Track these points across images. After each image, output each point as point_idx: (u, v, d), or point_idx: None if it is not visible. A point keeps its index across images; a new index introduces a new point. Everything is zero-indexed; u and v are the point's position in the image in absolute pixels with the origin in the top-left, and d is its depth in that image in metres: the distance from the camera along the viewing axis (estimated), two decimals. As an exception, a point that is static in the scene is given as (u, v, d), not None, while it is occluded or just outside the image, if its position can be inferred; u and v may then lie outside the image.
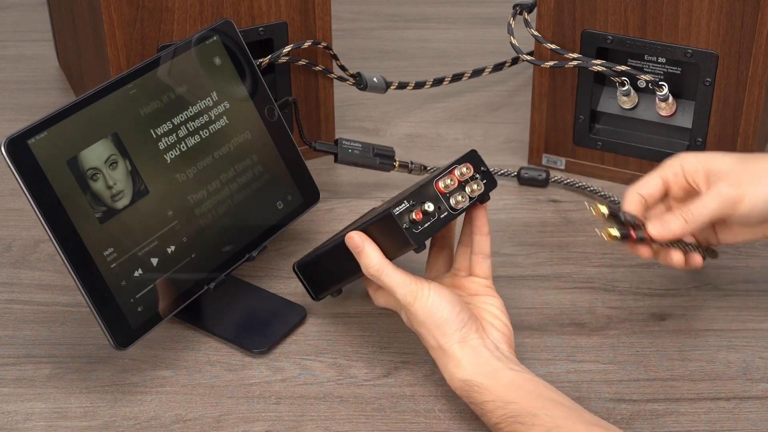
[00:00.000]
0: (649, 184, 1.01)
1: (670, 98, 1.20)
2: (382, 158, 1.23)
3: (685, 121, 1.22)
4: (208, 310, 1.07)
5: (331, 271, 1.04)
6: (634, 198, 1.01)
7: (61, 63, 1.53)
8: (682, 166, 1.00)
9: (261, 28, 1.21)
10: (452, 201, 0.97)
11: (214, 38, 1.10)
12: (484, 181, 1.00)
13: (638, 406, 0.97)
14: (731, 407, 0.97)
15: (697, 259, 1.01)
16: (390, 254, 0.97)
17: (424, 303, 0.95)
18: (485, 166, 1.01)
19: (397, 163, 1.24)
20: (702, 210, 0.97)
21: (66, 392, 0.99)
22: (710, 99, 1.19)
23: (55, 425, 0.96)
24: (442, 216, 0.96)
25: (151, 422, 0.96)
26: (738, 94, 1.17)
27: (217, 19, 1.18)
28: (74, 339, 1.05)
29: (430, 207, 0.96)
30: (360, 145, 1.23)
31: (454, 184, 0.98)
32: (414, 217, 0.95)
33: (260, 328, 1.05)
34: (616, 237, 0.98)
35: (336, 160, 1.21)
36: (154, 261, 1.01)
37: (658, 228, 0.98)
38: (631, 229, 0.99)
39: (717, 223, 1.03)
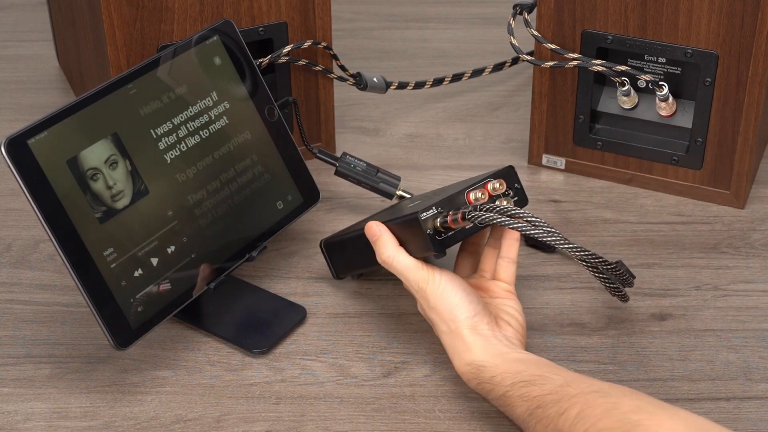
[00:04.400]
0: None
1: (670, 98, 1.20)
2: (384, 183, 1.20)
3: (685, 121, 1.22)
4: (208, 310, 1.07)
5: (355, 256, 1.05)
6: None
7: (61, 63, 1.53)
8: None
9: (261, 28, 1.21)
10: None
11: (214, 38, 1.10)
12: (515, 198, 1.01)
13: (638, 406, 0.97)
14: (731, 407, 0.97)
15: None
16: (410, 251, 0.98)
17: (435, 288, 0.96)
18: (519, 183, 1.02)
19: (398, 193, 1.20)
20: None
21: (66, 392, 0.99)
22: (710, 99, 1.19)
23: (55, 425, 0.96)
24: (468, 227, 0.96)
25: (151, 422, 0.96)
26: (738, 94, 1.17)
27: (217, 19, 1.18)
28: (74, 339, 1.05)
29: (468, 210, 0.96)
30: (365, 164, 1.21)
31: (484, 198, 0.98)
32: (441, 223, 0.95)
33: (260, 328, 1.05)
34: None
35: (336, 173, 1.20)
36: (154, 261, 1.01)
37: None
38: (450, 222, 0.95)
39: None
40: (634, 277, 1.02)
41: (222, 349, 1.04)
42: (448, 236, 0.96)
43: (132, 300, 0.98)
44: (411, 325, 1.06)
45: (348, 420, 0.96)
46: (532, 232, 0.93)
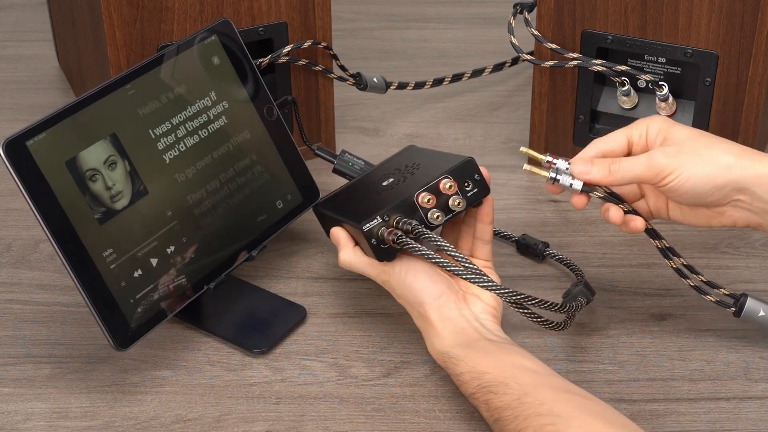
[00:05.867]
0: (613, 139, 0.98)
1: (670, 98, 1.20)
2: None
3: (685, 121, 1.22)
4: (208, 310, 1.07)
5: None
6: (592, 149, 0.98)
7: (61, 63, 1.53)
8: (647, 129, 0.97)
9: (261, 28, 1.21)
10: (430, 216, 0.99)
11: (213, 38, 1.10)
12: (475, 190, 1.01)
13: (638, 406, 0.97)
14: (731, 407, 0.97)
15: (637, 223, 0.98)
16: (363, 251, 1.00)
17: (397, 277, 0.98)
18: (480, 174, 1.02)
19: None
20: (629, 167, 0.94)
21: (66, 392, 0.99)
22: (710, 99, 1.19)
23: (55, 425, 0.96)
24: (415, 233, 0.96)
25: (151, 422, 0.96)
26: (738, 94, 1.17)
27: (216, 19, 1.18)
28: (74, 339, 1.05)
29: (402, 227, 0.97)
30: (363, 163, 1.21)
31: (432, 203, 0.99)
32: (384, 234, 0.96)
33: (260, 328, 1.05)
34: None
35: (334, 170, 1.21)
36: (154, 261, 1.01)
37: (580, 167, 0.96)
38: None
39: (658, 194, 1.00)
40: (593, 294, 1.04)
41: (222, 349, 1.04)
42: (394, 246, 0.97)
43: (132, 300, 0.98)
44: (411, 325, 1.06)
45: (348, 420, 0.96)
46: (452, 268, 0.94)
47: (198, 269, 1.04)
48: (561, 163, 0.98)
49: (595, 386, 0.99)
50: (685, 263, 1.01)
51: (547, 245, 1.14)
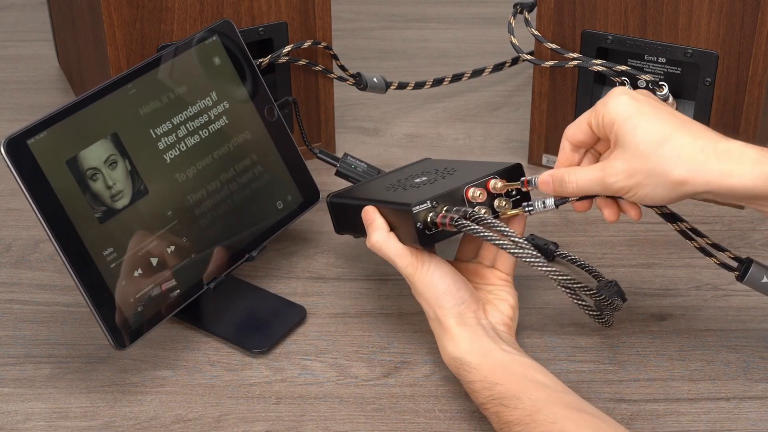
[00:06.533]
0: (579, 129, 0.97)
1: (670, 98, 1.20)
2: None
3: (685, 121, 1.22)
4: (208, 310, 1.07)
5: (354, 223, 1.04)
6: (565, 147, 0.98)
7: (61, 63, 1.53)
8: (603, 119, 0.94)
9: (261, 28, 1.21)
10: (476, 211, 0.98)
11: (214, 38, 1.10)
12: (518, 197, 1.01)
13: (638, 406, 0.97)
14: (731, 407, 0.97)
15: (632, 212, 0.97)
16: (399, 237, 0.99)
17: (423, 275, 0.97)
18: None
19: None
20: (586, 186, 0.94)
21: (66, 392, 0.99)
22: (710, 99, 1.19)
23: (55, 425, 0.96)
24: (472, 219, 0.96)
25: (151, 422, 0.96)
26: (738, 94, 1.17)
27: (217, 19, 1.18)
28: (74, 339, 1.05)
29: (458, 213, 0.96)
30: (366, 165, 1.21)
31: (482, 197, 0.98)
32: (431, 219, 0.95)
33: (260, 328, 1.05)
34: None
35: (337, 173, 1.20)
36: (154, 261, 1.01)
37: (544, 187, 0.97)
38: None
39: None
40: (624, 300, 1.04)
41: (222, 349, 1.04)
42: (438, 231, 0.96)
43: (132, 300, 0.98)
44: (411, 325, 1.07)
45: (348, 420, 0.96)
46: (514, 251, 0.93)
47: (198, 269, 1.04)
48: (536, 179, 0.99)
49: (595, 386, 0.99)
50: (689, 226, 1.01)
51: (557, 245, 1.14)
